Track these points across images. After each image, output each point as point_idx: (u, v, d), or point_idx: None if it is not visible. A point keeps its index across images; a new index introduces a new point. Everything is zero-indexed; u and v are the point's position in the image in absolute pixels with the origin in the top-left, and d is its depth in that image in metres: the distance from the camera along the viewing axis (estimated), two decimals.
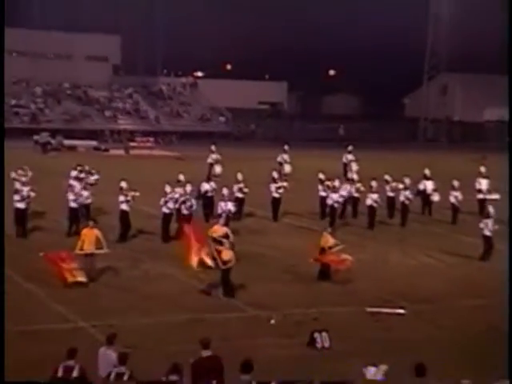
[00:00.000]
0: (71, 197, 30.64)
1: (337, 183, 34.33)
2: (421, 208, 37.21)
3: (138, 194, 29.91)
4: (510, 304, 19.85)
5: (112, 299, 22.18)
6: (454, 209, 35.57)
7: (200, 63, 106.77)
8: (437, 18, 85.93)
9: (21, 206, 29.89)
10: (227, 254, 22.73)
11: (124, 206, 29.66)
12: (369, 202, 34.06)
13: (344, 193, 34.72)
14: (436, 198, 36.89)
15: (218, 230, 25.53)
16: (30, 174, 34.17)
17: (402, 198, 34.94)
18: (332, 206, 33.01)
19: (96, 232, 24.31)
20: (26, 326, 19.52)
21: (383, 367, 13.07)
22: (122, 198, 29.70)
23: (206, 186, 33.99)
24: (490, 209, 30.03)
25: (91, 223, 24.77)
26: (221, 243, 23.80)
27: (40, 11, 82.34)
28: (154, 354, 17.35)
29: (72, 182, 32.67)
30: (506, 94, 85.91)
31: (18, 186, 30.85)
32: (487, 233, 28.65)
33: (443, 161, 46.96)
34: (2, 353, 12.43)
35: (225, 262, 22.63)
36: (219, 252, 23.15)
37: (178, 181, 32.50)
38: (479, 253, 28.67)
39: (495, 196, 37.19)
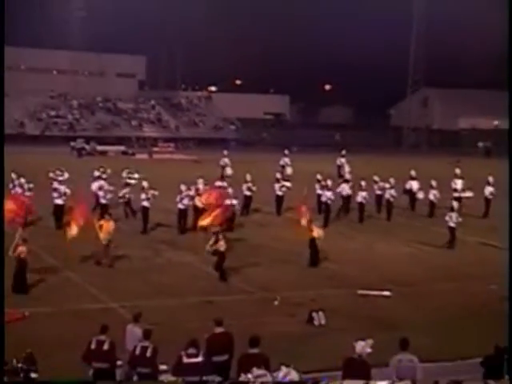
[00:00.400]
0: (101, 193, 30.80)
1: (329, 183, 34.25)
2: (408, 205, 37.11)
3: (157, 192, 29.91)
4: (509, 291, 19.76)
5: (138, 283, 22.20)
6: (432, 205, 35.58)
7: (214, 79, 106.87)
8: (418, 41, 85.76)
9: (59, 202, 29.95)
10: (223, 245, 22.71)
11: (145, 203, 29.72)
12: (359, 199, 34.07)
13: (344, 193, 34.89)
14: (421, 195, 36.87)
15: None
16: (66, 174, 34.26)
17: (387, 196, 34.98)
18: (326, 203, 32.97)
19: (111, 224, 24.31)
20: (65, 306, 19.63)
21: (370, 341, 13.06)
22: (143, 196, 29.75)
23: (218, 183, 34.20)
24: (454, 203, 30.12)
25: (107, 216, 24.80)
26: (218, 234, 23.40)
27: (77, 33, 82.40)
28: (175, 330, 17.38)
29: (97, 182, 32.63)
30: (477, 106, 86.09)
31: (55, 184, 30.92)
32: (451, 224, 28.66)
33: (424, 164, 46.89)
34: (2, 352, 12.40)
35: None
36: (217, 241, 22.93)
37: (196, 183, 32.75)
38: (445, 242, 28.73)
39: (468, 194, 37.13)
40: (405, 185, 37.61)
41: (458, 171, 39.38)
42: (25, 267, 20.82)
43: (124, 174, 35.03)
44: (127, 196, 31.95)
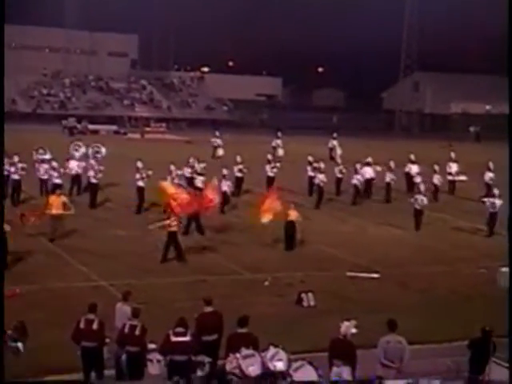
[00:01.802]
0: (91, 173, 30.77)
1: (322, 165, 34.14)
2: (406, 188, 36.88)
3: (151, 172, 29.85)
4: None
5: (129, 262, 22.18)
6: (436, 189, 35.52)
7: (206, 60, 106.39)
8: (410, 26, 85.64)
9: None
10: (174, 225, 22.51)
11: (140, 183, 29.64)
12: (354, 181, 34.03)
13: (367, 175, 34.88)
14: (418, 179, 36.72)
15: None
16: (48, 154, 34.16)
17: (387, 179, 34.85)
18: (319, 185, 32.90)
19: (63, 198, 24.72)
20: (55, 284, 19.62)
21: (353, 322, 13.16)
22: (138, 176, 29.66)
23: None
24: (421, 186, 30.02)
25: (58, 191, 25.41)
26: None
27: (69, 12, 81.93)
28: (164, 309, 17.38)
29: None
30: (469, 90, 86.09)
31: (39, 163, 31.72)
32: (417, 206, 28.55)
33: (416, 147, 46.86)
34: (1, 354, 12.33)
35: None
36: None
37: (188, 162, 32.78)
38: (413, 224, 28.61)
39: (462, 177, 37.14)
40: (404, 168, 37.42)
41: (452, 155, 39.38)
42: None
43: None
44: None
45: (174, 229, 22.44)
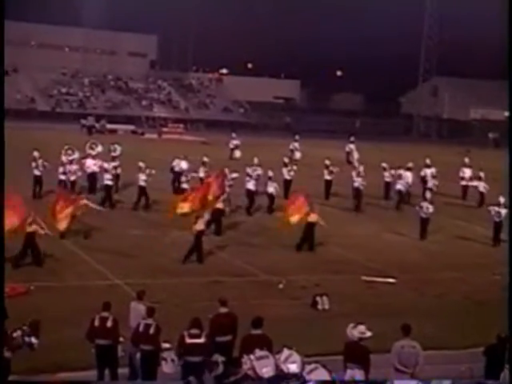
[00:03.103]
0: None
1: (361, 169, 34.19)
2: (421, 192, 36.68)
3: (154, 171, 29.93)
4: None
5: (144, 262, 22.20)
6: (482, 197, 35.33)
7: (225, 62, 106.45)
8: (431, 30, 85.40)
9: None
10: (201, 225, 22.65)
11: (142, 182, 29.86)
12: (398, 186, 34.12)
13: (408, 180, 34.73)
14: (431, 183, 36.57)
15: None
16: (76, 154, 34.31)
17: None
18: (358, 188, 32.89)
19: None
20: (70, 282, 19.71)
21: (362, 326, 13.18)
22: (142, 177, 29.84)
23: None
24: (427, 193, 29.41)
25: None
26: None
27: (89, 11, 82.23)
28: (178, 309, 17.43)
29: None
30: (488, 96, 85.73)
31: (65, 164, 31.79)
32: (423, 215, 27.78)
33: (433, 152, 46.69)
34: (1, 353, 12.41)
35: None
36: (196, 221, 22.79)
37: (203, 162, 32.88)
38: (418, 232, 28.06)
39: (476, 183, 36.82)
40: (420, 172, 37.29)
41: (466, 160, 39.25)
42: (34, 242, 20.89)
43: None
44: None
45: (198, 228, 22.42)
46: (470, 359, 14.84)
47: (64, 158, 32.47)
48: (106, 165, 31.59)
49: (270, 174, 31.32)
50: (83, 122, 64.50)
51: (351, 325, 13.06)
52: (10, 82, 61.91)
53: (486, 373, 13.69)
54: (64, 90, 79.91)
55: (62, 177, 31.32)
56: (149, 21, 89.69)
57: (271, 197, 30.67)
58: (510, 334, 13.64)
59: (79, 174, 31.80)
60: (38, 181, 30.76)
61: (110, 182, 30.31)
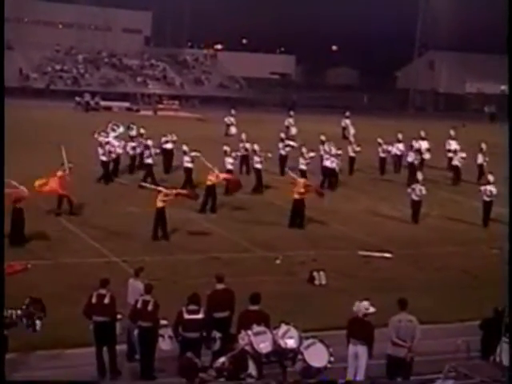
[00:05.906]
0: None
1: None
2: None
3: (199, 154, 28.83)
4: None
5: (141, 239, 22.16)
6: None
7: (220, 37, 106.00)
8: (426, 3, 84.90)
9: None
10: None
11: (189, 165, 29.36)
12: (409, 159, 34.42)
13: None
14: (427, 156, 36.59)
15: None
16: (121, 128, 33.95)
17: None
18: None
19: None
20: (67, 259, 19.72)
21: (367, 302, 13.23)
22: (187, 159, 29.38)
23: None
24: (419, 174, 28.07)
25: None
26: None
27: None
28: (176, 286, 17.47)
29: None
30: (484, 70, 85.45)
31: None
32: (415, 197, 26.54)
33: (430, 127, 46.50)
34: (2, 353, 12.43)
35: None
36: None
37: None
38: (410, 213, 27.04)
39: (462, 154, 36.14)
40: (413, 143, 36.90)
41: (452, 133, 38.95)
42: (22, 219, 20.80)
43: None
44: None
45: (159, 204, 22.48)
46: (466, 332, 14.90)
47: (101, 139, 30.87)
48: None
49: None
50: (78, 99, 64.20)
51: (358, 302, 13.12)
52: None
53: (482, 346, 13.77)
54: (58, 67, 79.40)
55: (104, 158, 30.06)
56: None
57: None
58: (509, 309, 13.70)
59: (139, 150, 31.54)
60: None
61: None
